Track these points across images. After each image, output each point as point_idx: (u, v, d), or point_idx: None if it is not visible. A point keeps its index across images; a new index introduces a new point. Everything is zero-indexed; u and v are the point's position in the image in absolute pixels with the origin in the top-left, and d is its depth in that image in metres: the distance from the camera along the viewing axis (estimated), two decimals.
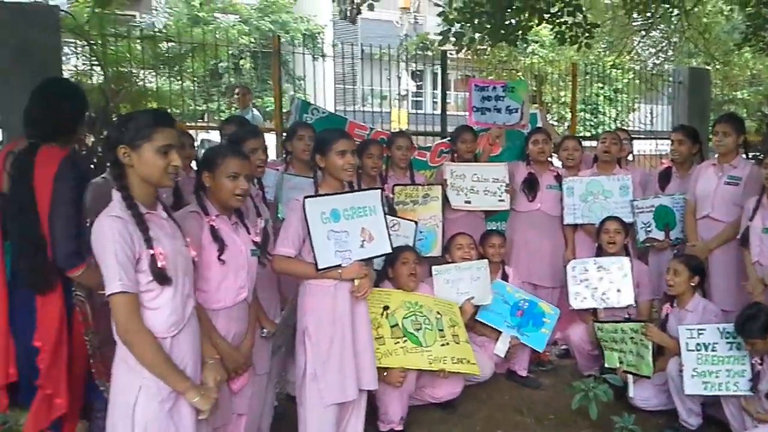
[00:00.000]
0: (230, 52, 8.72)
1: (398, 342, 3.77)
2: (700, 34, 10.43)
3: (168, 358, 2.22)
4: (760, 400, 3.44)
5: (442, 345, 3.88)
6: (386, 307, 3.83)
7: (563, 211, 4.89)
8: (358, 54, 8.15)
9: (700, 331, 3.66)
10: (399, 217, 4.38)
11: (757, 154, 5.12)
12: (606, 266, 4.42)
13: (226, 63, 10.54)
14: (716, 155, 4.46)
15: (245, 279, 2.73)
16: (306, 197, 2.96)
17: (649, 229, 4.72)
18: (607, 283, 4.39)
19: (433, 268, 4.33)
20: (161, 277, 2.22)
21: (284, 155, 4.46)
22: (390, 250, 3.30)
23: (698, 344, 3.64)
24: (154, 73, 6.40)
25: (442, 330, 3.94)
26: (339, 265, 3.01)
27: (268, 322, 3.11)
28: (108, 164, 2.40)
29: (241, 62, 10.99)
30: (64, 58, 5.43)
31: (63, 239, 2.50)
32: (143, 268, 2.20)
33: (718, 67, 12.23)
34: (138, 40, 6.19)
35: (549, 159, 5.16)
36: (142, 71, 6.17)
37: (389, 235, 3.23)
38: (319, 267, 2.95)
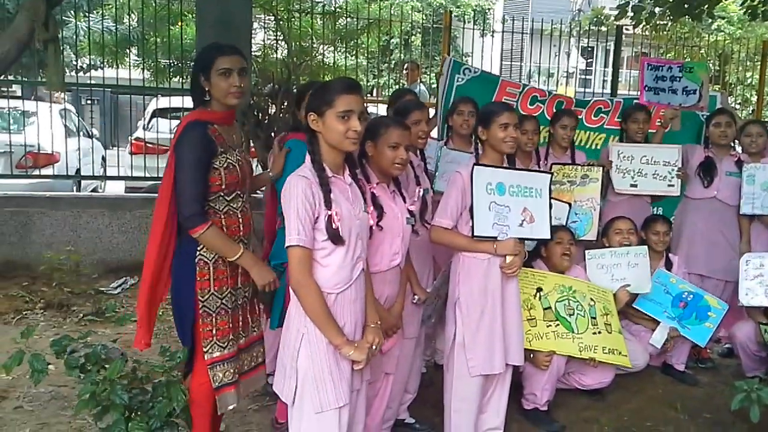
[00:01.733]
0: (402, 28, 8.92)
1: (550, 325, 3.76)
2: None
3: (329, 312, 2.40)
4: None
5: (594, 333, 3.82)
6: (539, 289, 3.83)
7: (741, 199, 4.56)
8: (527, 29, 8.00)
9: None
10: (553, 198, 4.32)
11: None
12: None
13: (397, 39, 10.78)
14: None
15: (399, 245, 2.87)
16: (476, 164, 3.05)
17: None
18: None
19: (586, 252, 4.24)
20: (335, 237, 2.39)
21: (446, 129, 4.56)
22: (548, 237, 3.31)
23: None
24: (332, 48, 6.75)
25: (594, 318, 3.87)
26: (495, 238, 3.08)
27: (420, 289, 3.25)
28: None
29: (412, 38, 11.19)
30: (252, 32, 5.86)
31: (184, 201, 2.66)
32: (320, 226, 2.38)
33: None
34: (319, 16, 6.54)
35: (731, 144, 4.81)
36: (321, 46, 6.52)
37: (551, 222, 3.25)
38: (476, 234, 3.03)
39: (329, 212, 2.38)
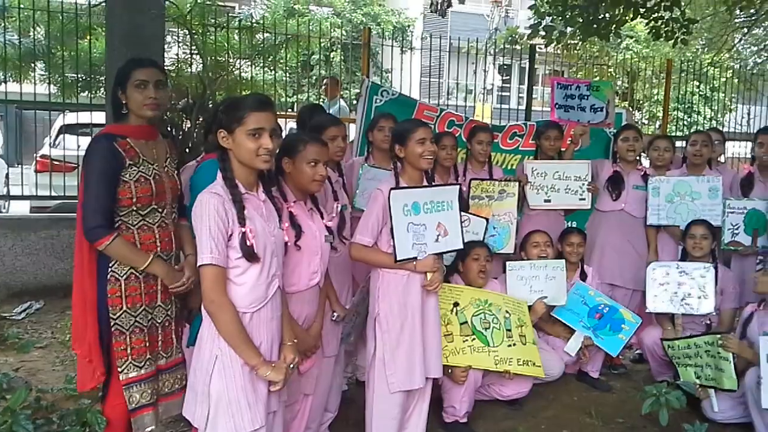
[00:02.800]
0: (322, 44, 8.91)
1: (467, 340, 3.82)
2: None
3: (245, 332, 2.34)
4: None
5: (509, 345, 3.90)
6: (456, 304, 3.88)
7: (647, 211, 4.78)
8: (446, 47, 8.16)
9: None
10: (470, 213, 4.41)
11: None
12: (688, 271, 4.29)
13: (317, 55, 10.74)
14: None
15: (318, 264, 2.84)
16: (391, 189, 3.05)
17: (736, 231, 4.55)
18: (688, 288, 4.26)
19: (507, 263, 4.34)
20: (249, 255, 2.34)
21: (366, 145, 4.57)
22: (461, 247, 3.36)
23: None
24: (249, 63, 6.66)
25: (509, 330, 3.95)
26: (415, 258, 3.09)
27: (339, 306, 3.23)
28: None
29: (332, 54, 11.24)
30: (165, 47, 5.72)
31: (86, 214, 2.64)
32: (234, 243, 2.33)
33: None
34: (236, 31, 6.46)
35: (638, 158, 5.04)
36: (238, 61, 6.43)
37: (462, 231, 3.30)
38: (398, 258, 3.03)
39: (243, 229, 2.33)
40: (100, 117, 2.73)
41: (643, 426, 3.92)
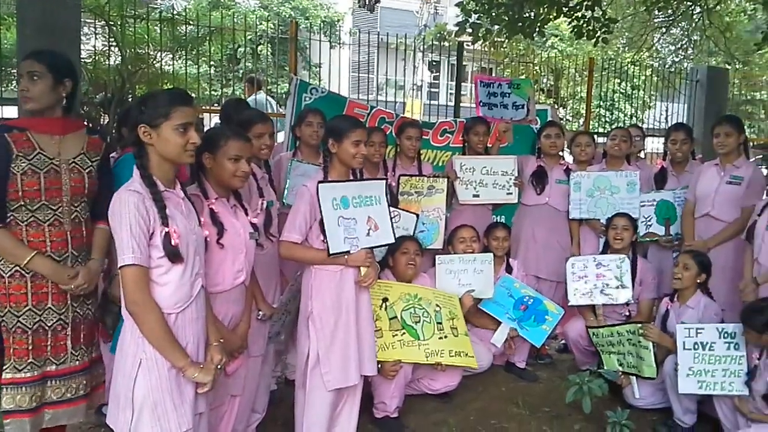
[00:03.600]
0: (249, 37, 8.75)
1: (396, 335, 3.83)
2: (721, 33, 10.28)
3: (171, 333, 2.27)
4: (754, 399, 3.45)
5: (440, 338, 3.94)
6: (385, 299, 3.89)
7: (569, 205, 4.91)
8: (375, 42, 8.15)
9: (698, 330, 3.66)
10: (400, 209, 4.42)
11: (765, 154, 5.10)
12: (605, 263, 4.44)
13: (244, 48, 10.53)
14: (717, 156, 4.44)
15: (243, 262, 2.78)
16: (320, 182, 3.02)
17: (649, 223, 4.75)
18: (606, 279, 4.41)
19: (437, 257, 4.39)
20: (174, 255, 2.27)
21: (293, 140, 4.51)
22: (393, 241, 3.36)
23: (695, 343, 3.64)
24: (171, 56, 6.46)
25: (440, 323, 3.99)
26: (348, 252, 3.08)
27: (265, 305, 3.17)
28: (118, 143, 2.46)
29: (260, 48, 11.03)
30: (83, 38, 5.49)
31: None
32: (156, 243, 2.25)
33: (738, 66, 12.08)
34: (156, 22, 6.26)
35: (560, 153, 5.17)
36: (159, 54, 6.22)
37: (393, 226, 3.30)
38: (331, 252, 3.01)
39: (166, 229, 2.25)
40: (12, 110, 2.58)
41: (568, 414, 4.03)
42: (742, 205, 4.19)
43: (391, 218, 3.31)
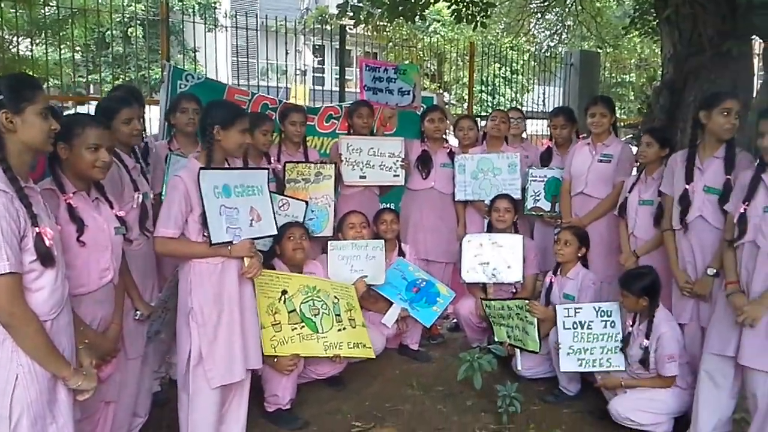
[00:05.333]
0: (117, 19, 8.22)
1: (295, 328, 3.73)
2: (592, 18, 10.82)
3: (51, 342, 2.10)
4: (629, 365, 3.64)
5: (339, 330, 3.88)
6: (284, 292, 3.77)
7: (454, 188, 4.98)
8: (255, 26, 7.92)
9: (576, 310, 3.82)
10: (289, 197, 4.31)
11: (635, 133, 5.40)
12: (500, 242, 4.53)
13: (112, 31, 9.96)
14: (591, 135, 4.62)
15: (109, 260, 2.58)
16: (201, 168, 2.86)
17: (538, 198, 4.89)
18: (499, 258, 4.50)
19: (329, 243, 4.31)
20: (47, 257, 2.08)
21: (168, 129, 4.26)
22: (275, 232, 3.27)
23: (574, 323, 3.80)
24: (30, 40, 5.94)
25: (339, 315, 3.93)
26: (231, 242, 2.95)
27: (142, 304, 2.99)
28: None
29: (130, 31, 10.42)
30: None
31: None
32: (28, 246, 2.05)
33: (609, 50, 12.78)
34: (11, 3, 5.73)
35: (444, 137, 5.22)
36: (15, 38, 5.71)
37: (275, 216, 3.21)
38: (213, 242, 2.87)
39: (37, 229, 2.05)
40: None
41: (461, 391, 4.10)
42: (614, 182, 4.39)
43: (273, 209, 3.22)
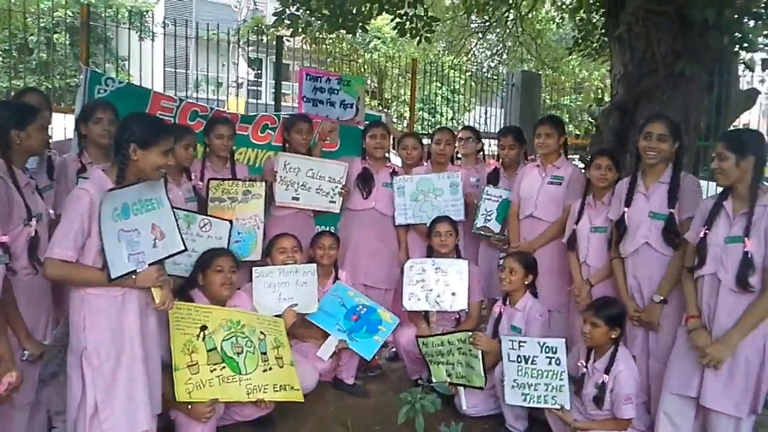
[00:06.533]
0: (42, 24, 7.69)
1: (215, 369, 3.33)
2: (532, 40, 10.86)
3: None
4: (583, 405, 3.41)
5: (264, 371, 3.51)
6: (204, 327, 3.36)
7: (395, 211, 4.70)
8: (190, 35, 7.51)
9: (521, 344, 3.58)
10: (211, 216, 3.93)
11: (584, 155, 5.27)
12: (444, 268, 4.26)
13: (37, 36, 9.38)
14: (539, 156, 4.45)
15: None
16: (110, 190, 2.51)
17: (489, 217, 4.64)
18: (443, 285, 4.24)
19: (254, 270, 3.94)
20: None
21: (78, 140, 3.81)
22: (183, 248, 2.90)
23: (519, 356, 3.56)
24: None
25: (265, 353, 3.56)
26: (135, 271, 2.57)
27: (31, 342, 2.57)
28: None
29: (56, 36, 9.82)
30: None
31: None
32: None
33: (547, 73, 12.88)
34: None
35: (386, 156, 4.92)
36: None
37: (179, 230, 2.86)
38: (113, 276, 2.50)
39: None
40: None
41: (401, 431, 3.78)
42: (564, 205, 4.20)
43: (177, 222, 2.85)
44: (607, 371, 3.29)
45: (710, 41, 4.51)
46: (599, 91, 11.75)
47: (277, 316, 3.81)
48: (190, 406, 3.18)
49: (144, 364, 2.68)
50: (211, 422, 3.29)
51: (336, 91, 4.98)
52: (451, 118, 12.58)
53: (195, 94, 8.49)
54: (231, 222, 4.00)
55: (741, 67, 6.23)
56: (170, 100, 4.76)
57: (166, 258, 2.83)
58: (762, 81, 7.94)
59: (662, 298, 3.35)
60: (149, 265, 2.66)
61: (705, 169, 5.89)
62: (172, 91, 8.93)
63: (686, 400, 3.04)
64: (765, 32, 5.24)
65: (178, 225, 2.86)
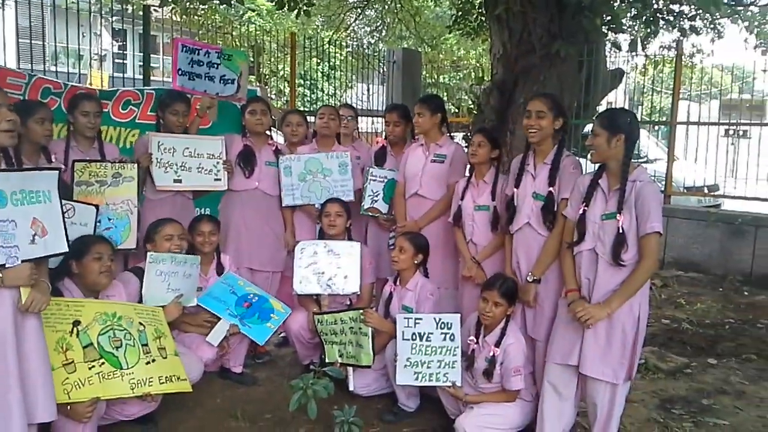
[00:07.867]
0: None
1: (93, 366, 3.07)
2: (411, 17, 10.89)
3: None
4: (474, 379, 3.45)
5: (147, 363, 3.27)
6: (77, 323, 3.08)
7: (281, 192, 4.53)
8: (46, 3, 6.87)
9: (417, 320, 3.57)
10: (75, 201, 3.60)
11: (467, 134, 5.34)
12: (336, 250, 4.17)
13: None
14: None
15: None
16: None
17: (376, 198, 4.59)
18: (335, 268, 4.14)
19: (149, 254, 3.67)
20: None
21: None
22: (66, 250, 2.67)
23: (413, 333, 3.54)
24: None
25: (146, 344, 3.31)
26: (3, 266, 2.35)
27: None
28: None
29: None
30: None
31: None
32: None
33: (426, 51, 13.00)
34: None
35: (268, 133, 4.71)
36: None
37: (66, 229, 2.62)
38: None
39: None
40: None
41: (292, 418, 3.67)
42: (447, 182, 4.22)
43: (64, 221, 2.62)
44: (497, 345, 3.35)
45: (584, 23, 4.67)
46: (479, 69, 11.99)
47: (160, 306, 3.58)
48: (69, 407, 2.92)
49: (18, 368, 2.44)
50: (91, 422, 3.05)
51: (216, 65, 4.67)
52: (332, 95, 12.41)
53: (54, 67, 7.76)
54: (97, 207, 3.69)
55: (608, 47, 6.54)
56: (19, 76, 4.29)
57: (46, 257, 2.60)
58: (627, 61, 8.41)
59: (535, 277, 3.40)
60: (22, 261, 2.41)
61: (576, 147, 6.17)
62: (27, 65, 8.15)
63: (568, 369, 3.14)
64: (629, 14, 5.52)
65: (65, 224, 2.62)
